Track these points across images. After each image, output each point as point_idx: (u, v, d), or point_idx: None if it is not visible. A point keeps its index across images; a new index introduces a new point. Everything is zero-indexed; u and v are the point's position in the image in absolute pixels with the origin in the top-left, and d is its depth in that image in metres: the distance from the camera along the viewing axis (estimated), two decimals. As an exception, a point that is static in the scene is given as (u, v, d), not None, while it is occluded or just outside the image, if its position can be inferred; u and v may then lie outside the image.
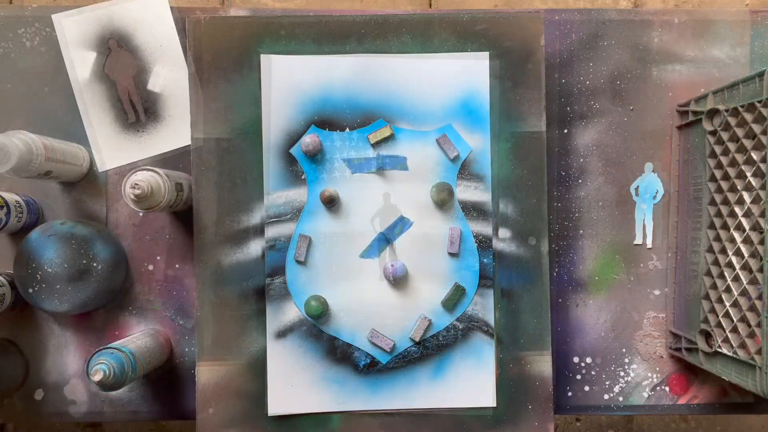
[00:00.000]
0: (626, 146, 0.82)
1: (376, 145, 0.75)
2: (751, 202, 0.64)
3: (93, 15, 0.80)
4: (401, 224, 0.75)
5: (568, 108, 0.81)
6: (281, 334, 0.75)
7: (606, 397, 0.81)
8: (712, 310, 0.70)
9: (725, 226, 0.68)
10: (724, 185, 0.68)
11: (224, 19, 0.75)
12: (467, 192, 0.76)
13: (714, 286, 0.70)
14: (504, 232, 0.76)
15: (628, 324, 0.81)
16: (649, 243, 0.81)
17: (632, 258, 0.81)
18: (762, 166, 0.62)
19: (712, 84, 0.81)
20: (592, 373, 0.81)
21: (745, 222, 0.65)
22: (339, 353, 0.75)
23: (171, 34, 0.81)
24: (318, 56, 0.75)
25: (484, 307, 0.75)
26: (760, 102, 0.62)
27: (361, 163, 0.75)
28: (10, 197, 0.75)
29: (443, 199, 0.75)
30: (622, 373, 0.81)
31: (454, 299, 0.75)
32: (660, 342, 0.81)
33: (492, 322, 0.75)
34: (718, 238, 0.69)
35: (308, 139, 0.74)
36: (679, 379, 0.81)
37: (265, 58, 0.75)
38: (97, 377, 0.64)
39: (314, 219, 0.75)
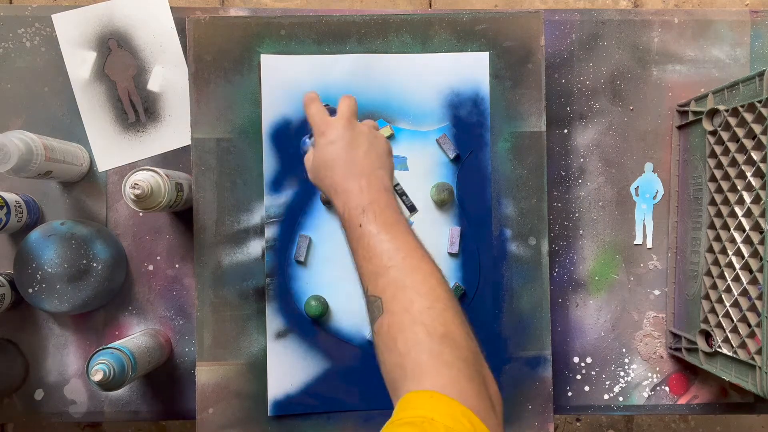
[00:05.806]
0: (626, 146, 0.82)
1: (376, 145, 0.75)
2: (751, 202, 0.64)
3: (93, 15, 0.80)
4: (401, 224, 0.75)
5: (568, 108, 0.81)
6: (281, 334, 0.74)
7: (606, 397, 0.81)
8: (712, 310, 0.70)
9: (725, 226, 0.68)
10: (724, 185, 0.68)
11: (224, 19, 0.75)
12: (467, 192, 0.76)
13: (714, 286, 0.70)
14: (504, 232, 0.76)
15: (628, 324, 0.81)
16: (649, 243, 0.81)
17: (632, 258, 0.81)
18: (762, 166, 0.62)
19: (712, 84, 0.81)
20: (592, 373, 0.81)
21: (745, 222, 0.65)
22: (339, 353, 0.75)
23: (171, 34, 0.81)
24: (318, 56, 0.75)
25: (484, 307, 0.75)
26: (760, 102, 0.62)
27: (361, 163, 0.75)
28: (10, 197, 0.74)
29: (443, 199, 0.74)
30: (622, 373, 0.81)
31: (454, 299, 0.75)
32: (660, 342, 0.81)
33: (492, 322, 0.75)
34: (718, 238, 0.69)
35: (308, 140, 0.74)
36: (679, 379, 0.81)
37: (265, 58, 0.74)
38: (97, 377, 0.64)
39: (314, 219, 0.75)
